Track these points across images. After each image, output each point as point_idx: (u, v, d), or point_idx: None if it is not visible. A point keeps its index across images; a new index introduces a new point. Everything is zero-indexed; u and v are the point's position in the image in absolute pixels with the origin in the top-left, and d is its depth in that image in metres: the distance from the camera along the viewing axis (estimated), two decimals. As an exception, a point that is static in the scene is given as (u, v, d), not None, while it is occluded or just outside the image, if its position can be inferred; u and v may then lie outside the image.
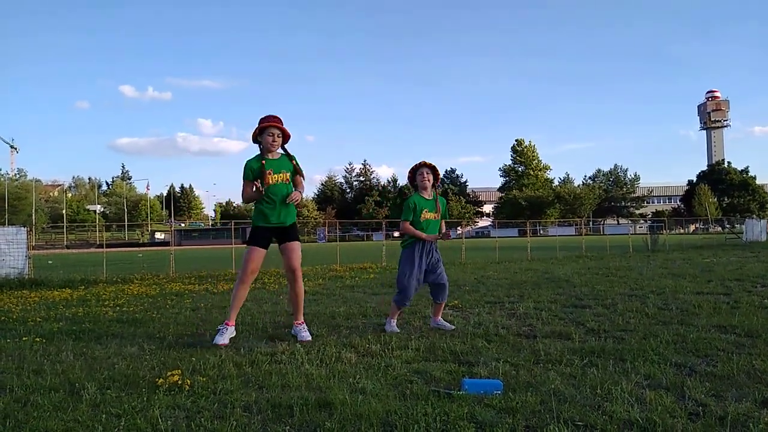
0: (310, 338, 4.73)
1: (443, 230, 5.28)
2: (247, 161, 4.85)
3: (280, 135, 4.85)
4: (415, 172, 5.26)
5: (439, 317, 5.32)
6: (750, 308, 5.76)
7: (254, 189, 4.76)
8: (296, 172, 4.93)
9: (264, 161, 4.78)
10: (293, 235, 4.94)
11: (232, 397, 3.08)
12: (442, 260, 5.35)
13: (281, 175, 4.81)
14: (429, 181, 5.20)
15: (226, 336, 4.58)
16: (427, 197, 5.22)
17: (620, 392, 2.99)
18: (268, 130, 4.79)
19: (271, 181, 4.75)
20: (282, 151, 4.93)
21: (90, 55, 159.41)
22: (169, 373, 3.43)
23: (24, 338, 4.96)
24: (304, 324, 4.94)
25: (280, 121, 4.89)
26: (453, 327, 5.15)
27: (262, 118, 4.86)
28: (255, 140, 4.88)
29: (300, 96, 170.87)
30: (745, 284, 8.23)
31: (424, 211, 5.15)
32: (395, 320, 5.24)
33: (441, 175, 5.46)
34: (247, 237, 4.94)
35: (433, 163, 5.26)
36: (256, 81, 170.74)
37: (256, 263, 4.79)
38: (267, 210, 4.80)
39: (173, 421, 2.72)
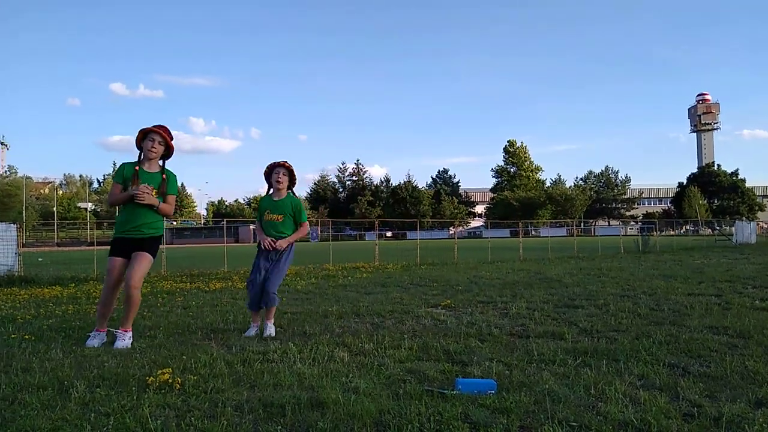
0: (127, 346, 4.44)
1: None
2: (123, 163, 4.76)
3: (162, 143, 4.69)
4: (271, 171, 5.18)
5: (268, 321, 5.07)
6: (741, 309, 5.78)
7: (127, 191, 4.60)
8: (161, 190, 4.69)
9: (138, 168, 4.65)
10: (147, 247, 4.67)
11: (224, 396, 3.04)
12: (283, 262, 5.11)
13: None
14: (282, 183, 5.13)
15: (96, 340, 4.54)
16: (276, 199, 5.17)
17: (614, 392, 2.98)
18: (150, 135, 4.66)
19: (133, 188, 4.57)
20: (160, 166, 4.78)
21: (81, 52, 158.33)
22: (159, 372, 3.39)
23: (13, 336, 4.90)
24: (129, 332, 4.63)
25: (166, 130, 4.73)
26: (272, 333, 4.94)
27: (146, 127, 4.72)
28: (138, 146, 4.72)
29: (292, 95, 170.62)
30: (736, 285, 8.27)
31: (266, 212, 5.15)
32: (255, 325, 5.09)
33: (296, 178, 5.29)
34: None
35: (290, 164, 5.17)
36: (249, 79, 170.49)
37: (118, 272, 4.63)
38: (126, 220, 4.66)
39: (163, 420, 2.68)
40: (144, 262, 4.62)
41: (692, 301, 6.48)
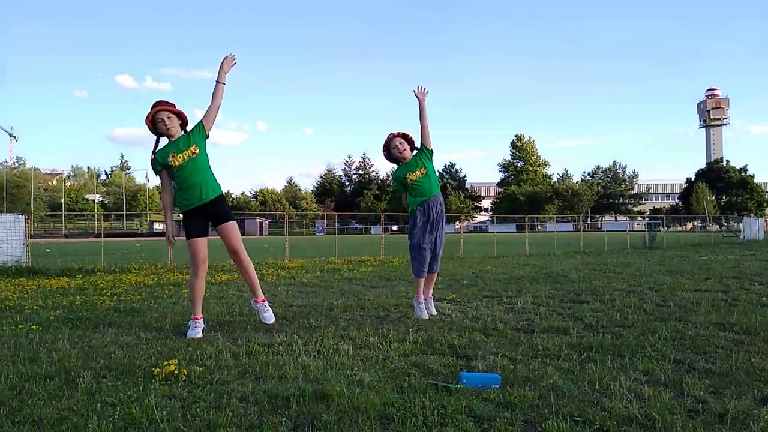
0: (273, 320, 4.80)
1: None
2: (153, 154, 4.57)
3: (171, 116, 4.51)
4: (389, 147, 5.24)
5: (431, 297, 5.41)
6: (748, 306, 5.75)
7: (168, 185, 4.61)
8: (201, 124, 4.63)
9: (163, 148, 4.54)
10: (223, 213, 4.66)
11: (229, 388, 3.06)
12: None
13: (186, 152, 4.49)
14: (403, 148, 5.20)
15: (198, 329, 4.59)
16: (407, 161, 5.24)
17: (619, 388, 2.98)
18: (156, 116, 4.47)
19: (177, 163, 4.47)
20: (183, 133, 4.63)
21: (88, 44, 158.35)
22: (165, 363, 3.41)
23: (20, 326, 4.94)
24: (266, 302, 4.88)
25: (167, 103, 4.55)
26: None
27: (147, 114, 4.54)
28: (155, 133, 4.57)
29: (298, 89, 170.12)
30: (743, 282, 8.23)
31: (408, 173, 5.15)
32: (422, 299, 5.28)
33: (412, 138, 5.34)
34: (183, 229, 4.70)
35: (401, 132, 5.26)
36: (255, 72, 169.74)
37: (203, 252, 4.65)
38: (186, 193, 4.55)
39: (169, 411, 2.70)
40: (234, 229, 4.67)
41: (698, 298, 6.46)
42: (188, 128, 4.68)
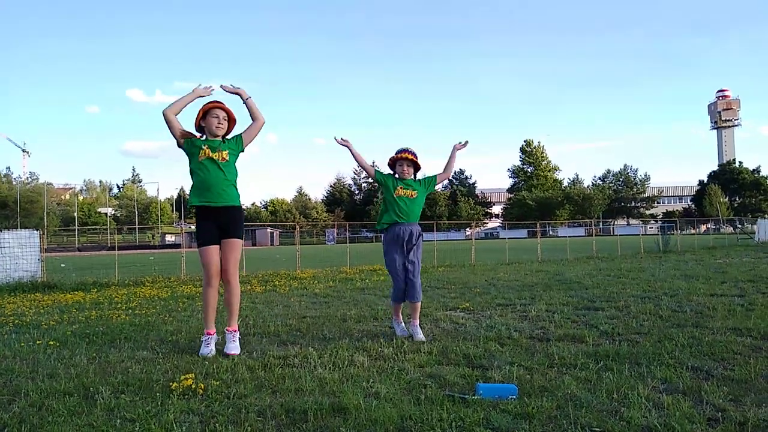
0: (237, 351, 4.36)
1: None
2: (186, 141, 4.44)
3: (226, 118, 4.47)
4: (395, 163, 5.09)
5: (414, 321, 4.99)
6: (765, 310, 5.70)
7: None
8: (240, 137, 4.55)
9: (198, 139, 4.46)
10: (234, 228, 4.50)
11: (246, 402, 3.07)
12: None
13: (217, 153, 4.38)
14: (408, 174, 5.04)
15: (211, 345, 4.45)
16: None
17: (637, 397, 2.96)
18: (212, 111, 4.42)
19: (204, 156, 4.35)
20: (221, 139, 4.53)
21: (98, 59, 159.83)
22: (182, 377, 3.43)
23: (38, 342, 4.99)
24: (236, 333, 4.55)
25: (225, 105, 4.52)
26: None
27: (205, 104, 4.49)
28: (198, 127, 4.50)
29: (307, 99, 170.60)
30: (759, 285, 8.15)
31: (399, 187, 4.99)
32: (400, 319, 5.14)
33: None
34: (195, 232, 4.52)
35: (414, 156, 5.05)
36: (263, 84, 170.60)
37: (216, 263, 4.47)
38: (205, 191, 4.40)
39: (188, 426, 2.72)
40: (238, 249, 4.52)
41: (715, 302, 6.40)
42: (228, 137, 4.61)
